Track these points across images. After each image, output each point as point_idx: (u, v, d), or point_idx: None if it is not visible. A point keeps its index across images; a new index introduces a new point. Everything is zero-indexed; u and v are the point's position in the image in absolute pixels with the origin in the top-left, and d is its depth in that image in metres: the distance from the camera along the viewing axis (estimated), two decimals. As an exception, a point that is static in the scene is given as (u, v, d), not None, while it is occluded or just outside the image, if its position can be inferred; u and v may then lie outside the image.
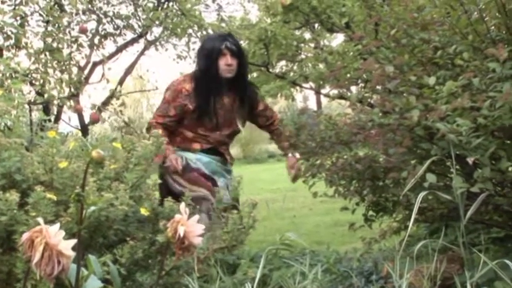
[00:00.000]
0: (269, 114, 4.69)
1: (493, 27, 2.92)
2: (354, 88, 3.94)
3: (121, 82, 8.67)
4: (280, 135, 4.47)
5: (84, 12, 7.66)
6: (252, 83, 4.91)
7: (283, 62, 8.94)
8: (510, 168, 2.84)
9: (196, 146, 4.45)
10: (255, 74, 9.82)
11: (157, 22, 7.40)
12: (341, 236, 4.60)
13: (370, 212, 3.51)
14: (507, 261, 2.32)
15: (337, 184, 3.42)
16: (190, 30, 7.39)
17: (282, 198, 7.98)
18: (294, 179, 4.30)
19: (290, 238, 3.67)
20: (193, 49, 8.12)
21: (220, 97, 4.41)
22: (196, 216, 1.73)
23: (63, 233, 1.59)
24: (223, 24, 7.86)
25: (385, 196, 3.36)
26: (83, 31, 7.13)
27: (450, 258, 2.84)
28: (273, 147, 21.85)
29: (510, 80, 2.54)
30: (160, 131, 4.09)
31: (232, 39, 4.55)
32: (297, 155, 4.08)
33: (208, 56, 4.43)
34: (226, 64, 4.39)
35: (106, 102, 8.01)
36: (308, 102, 30.39)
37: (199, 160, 4.38)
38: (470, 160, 2.52)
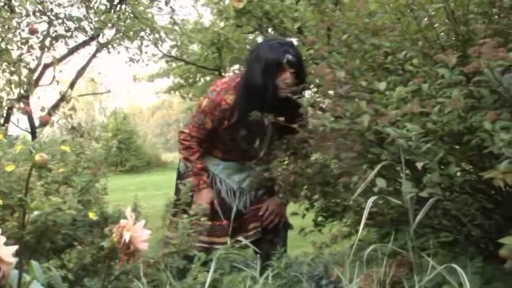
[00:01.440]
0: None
1: (442, 34, 2.94)
2: (307, 93, 3.93)
3: (72, 85, 8.60)
4: None
5: (34, 14, 7.58)
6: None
7: (237, 66, 8.96)
8: (458, 173, 2.88)
9: (218, 154, 4.00)
10: (208, 78, 9.83)
11: (109, 24, 7.35)
12: (292, 241, 4.60)
13: (320, 217, 3.52)
14: (455, 266, 2.33)
15: (287, 189, 3.42)
16: (142, 33, 7.35)
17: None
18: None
19: (241, 243, 3.65)
20: (146, 52, 8.11)
21: (264, 116, 3.65)
22: (142, 222, 1.71)
23: (3, 238, 1.56)
24: (176, 28, 7.85)
25: (335, 201, 3.37)
26: (33, 31, 7.06)
27: (399, 263, 2.85)
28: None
29: (459, 85, 2.56)
30: (195, 156, 3.86)
31: (294, 50, 3.79)
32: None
33: (265, 70, 3.70)
34: (284, 81, 3.69)
35: (57, 105, 7.94)
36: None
37: (218, 169, 3.99)
38: (419, 165, 2.54)
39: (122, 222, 1.71)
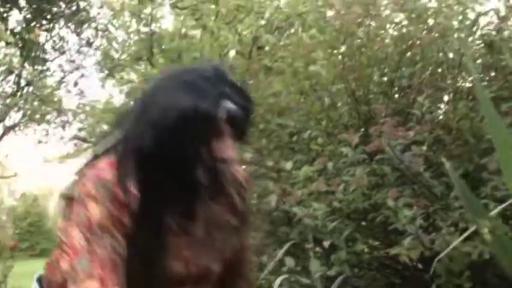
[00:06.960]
0: None
1: (344, 113, 3.01)
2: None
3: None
4: None
5: None
6: None
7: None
8: (366, 250, 2.90)
9: None
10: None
11: (15, 108, 7.21)
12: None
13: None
14: None
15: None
16: (49, 116, 7.23)
17: None
18: None
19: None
20: (54, 134, 7.97)
21: None
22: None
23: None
24: (87, 108, 7.78)
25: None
26: None
27: None
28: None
29: (362, 164, 2.61)
30: None
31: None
32: None
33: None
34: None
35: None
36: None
37: None
38: (326, 243, 2.55)
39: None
